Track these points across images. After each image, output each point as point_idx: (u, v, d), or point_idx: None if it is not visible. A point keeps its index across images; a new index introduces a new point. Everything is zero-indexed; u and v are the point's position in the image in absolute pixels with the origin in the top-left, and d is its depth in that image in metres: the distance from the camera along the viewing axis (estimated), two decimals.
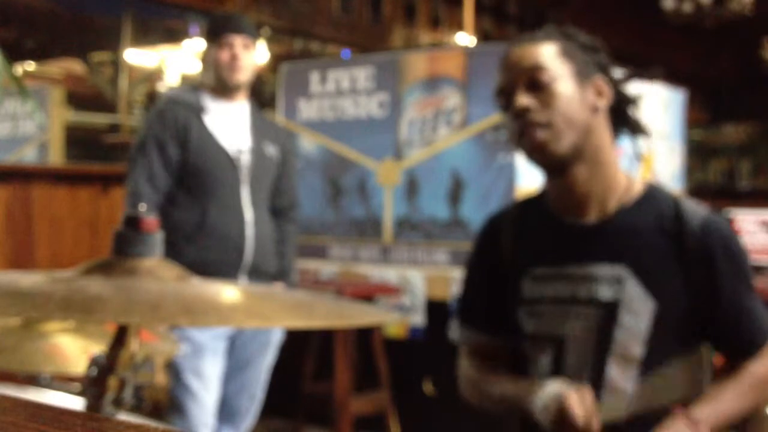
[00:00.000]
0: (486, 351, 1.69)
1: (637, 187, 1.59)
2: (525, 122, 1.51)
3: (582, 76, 1.54)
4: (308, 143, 4.49)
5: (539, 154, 1.53)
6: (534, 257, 1.60)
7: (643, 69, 1.69)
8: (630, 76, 1.65)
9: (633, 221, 1.55)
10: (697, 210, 1.56)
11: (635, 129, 1.63)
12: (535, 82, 1.52)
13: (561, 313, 1.56)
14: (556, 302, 1.57)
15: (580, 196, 1.56)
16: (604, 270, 1.53)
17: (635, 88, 1.65)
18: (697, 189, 8.47)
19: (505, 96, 1.55)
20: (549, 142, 1.51)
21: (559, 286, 1.57)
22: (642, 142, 1.66)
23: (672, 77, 5.72)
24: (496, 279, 1.66)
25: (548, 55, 1.53)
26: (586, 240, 1.56)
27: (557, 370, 1.56)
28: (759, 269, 4.48)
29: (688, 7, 7.44)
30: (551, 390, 1.49)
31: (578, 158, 1.53)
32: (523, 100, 1.51)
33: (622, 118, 1.61)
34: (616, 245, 1.54)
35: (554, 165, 1.54)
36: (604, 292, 1.53)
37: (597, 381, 1.53)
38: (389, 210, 4.23)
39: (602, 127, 1.56)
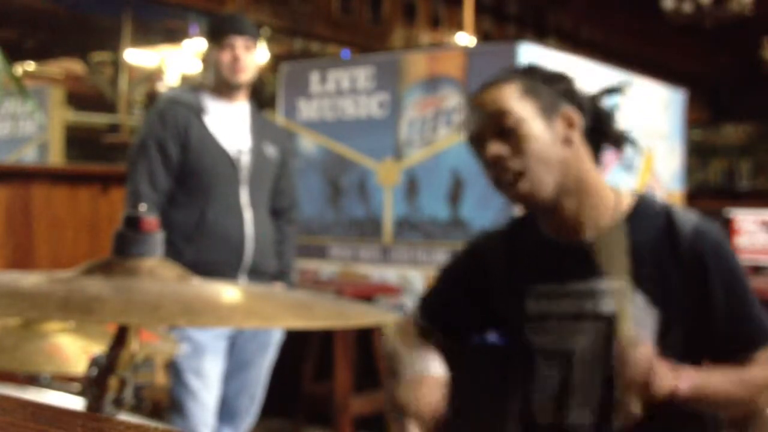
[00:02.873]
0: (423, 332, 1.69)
1: (627, 201, 1.59)
2: (500, 170, 1.52)
3: (548, 111, 1.52)
4: (308, 143, 4.49)
5: (525, 203, 1.54)
6: (535, 276, 1.61)
7: (615, 83, 1.66)
8: (600, 94, 1.63)
9: (628, 234, 1.54)
10: (688, 216, 1.56)
11: (619, 142, 1.62)
12: (502, 128, 1.51)
13: (568, 329, 1.57)
14: (562, 318, 1.58)
15: (573, 222, 1.57)
16: (606, 284, 1.54)
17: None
18: (697, 189, 8.48)
19: (476, 143, 1.56)
20: (532, 192, 1.51)
21: (565, 303, 1.57)
22: (632, 152, 1.65)
23: (672, 77, 5.72)
24: (473, 296, 1.67)
25: (510, 97, 1.52)
26: (584, 257, 1.56)
27: (566, 383, 1.57)
28: (759, 269, 4.49)
29: (688, 7, 7.44)
30: (419, 368, 1.55)
31: (563, 193, 1.53)
32: (494, 148, 1.51)
33: (603, 135, 1.60)
34: (614, 259, 1.54)
35: (541, 208, 1.56)
36: (608, 306, 1.53)
37: (608, 393, 1.52)
38: (389, 210, 4.23)
39: (579, 155, 1.55)
